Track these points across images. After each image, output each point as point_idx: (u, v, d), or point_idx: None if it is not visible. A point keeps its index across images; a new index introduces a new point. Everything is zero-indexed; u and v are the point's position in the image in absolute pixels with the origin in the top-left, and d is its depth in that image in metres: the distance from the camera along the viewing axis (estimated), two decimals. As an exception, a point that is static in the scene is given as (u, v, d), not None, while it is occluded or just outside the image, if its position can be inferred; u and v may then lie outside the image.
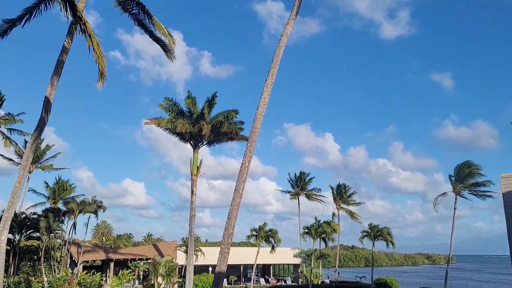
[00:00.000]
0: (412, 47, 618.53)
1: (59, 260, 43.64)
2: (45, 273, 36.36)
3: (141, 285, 41.18)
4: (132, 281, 41.64)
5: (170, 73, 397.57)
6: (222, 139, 36.34)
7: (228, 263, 15.94)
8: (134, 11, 18.74)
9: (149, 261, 41.43)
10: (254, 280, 45.42)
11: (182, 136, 35.72)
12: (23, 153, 38.05)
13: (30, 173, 41.94)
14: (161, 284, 37.34)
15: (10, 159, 41.48)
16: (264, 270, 57.21)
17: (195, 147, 35.44)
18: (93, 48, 15.98)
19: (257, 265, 47.40)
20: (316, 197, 62.45)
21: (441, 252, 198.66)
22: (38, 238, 40.03)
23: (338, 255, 65.86)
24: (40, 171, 44.31)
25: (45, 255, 39.26)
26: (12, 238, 36.63)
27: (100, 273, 40.61)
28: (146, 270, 41.80)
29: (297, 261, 53.34)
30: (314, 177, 63.70)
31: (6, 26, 17.05)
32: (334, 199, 60.85)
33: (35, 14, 16.83)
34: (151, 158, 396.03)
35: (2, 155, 40.91)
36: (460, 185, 41.66)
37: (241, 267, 50.43)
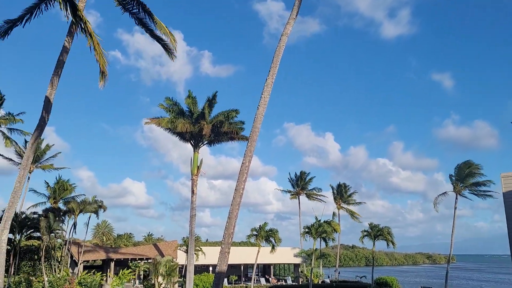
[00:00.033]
0: (412, 47, 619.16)
1: (59, 260, 43.65)
2: (46, 273, 36.37)
3: (142, 285, 41.19)
4: (132, 281, 41.66)
5: (171, 73, 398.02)
6: (223, 138, 36.33)
7: (229, 263, 15.93)
8: (134, 11, 18.74)
9: (149, 260, 41.45)
10: (254, 280, 45.43)
11: (183, 136, 35.71)
12: (24, 153, 38.10)
13: (30, 172, 41.96)
14: (161, 284, 37.35)
15: (11, 159, 41.50)
16: (264, 269, 57.21)
17: (196, 146, 35.43)
18: (94, 48, 15.99)
19: (258, 264, 47.39)
20: (317, 196, 62.47)
21: (441, 251, 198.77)
22: (38, 238, 40.03)
23: (338, 255, 65.88)
24: (41, 170, 44.39)
25: (45, 255, 39.26)
26: (13, 238, 36.63)
27: (100, 273, 40.61)
28: (147, 269, 41.83)
29: (298, 260, 53.35)
30: (314, 176, 63.90)
31: (7, 27, 17.05)
32: (335, 198, 60.85)
33: (36, 14, 16.84)
34: (151, 157, 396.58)
35: (2, 155, 40.93)
36: (461, 185, 41.64)
37: (242, 267, 50.44)
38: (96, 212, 42.29)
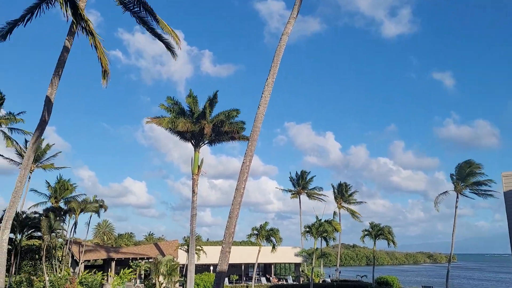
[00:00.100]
0: (413, 46, 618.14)
1: (60, 260, 43.71)
2: (47, 273, 36.42)
3: (143, 284, 41.21)
4: (133, 280, 41.69)
5: (171, 72, 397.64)
6: (223, 138, 36.33)
7: (230, 262, 15.95)
8: (135, 10, 18.73)
9: (150, 260, 41.48)
10: (255, 279, 45.45)
11: (183, 135, 35.71)
12: (24, 152, 38.13)
13: (31, 172, 42.00)
14: (162, 283, 37.38)
15: (11, 159, 41.54)
16: (265, 269, 57.24)
17: (196, 146, 35.43)
18: (96, 47, 16.01)
19: (259, 264, 47.40)
20: (317, 196, 62.47)
21: (442, 251, 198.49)
22: (39, 238, 40.06)
23: (339, 254, 65.91)
24: (41, 170, 44.41)
25: (46, 255, 39.31)
26: (14, 237, 36.65)
27: (101, 272, 40.63)
28: (148, 269, 41.86)
29: (298, 260, 53.36)
30: (315, 175, 63.90)
31: (8, 28, 17.08)
32: (335, 198, 60.85)
33: (37, 14, 16.86)
34: (152, 157, 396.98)
35: (2, 155, 40.96)
36: (462, 184, 41.59)
37: (243, 266, 50.47)
38: (97, 212, 42.33)
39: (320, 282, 49.53)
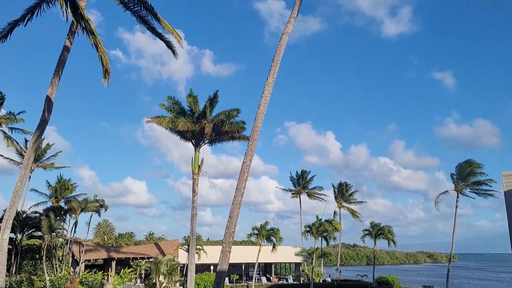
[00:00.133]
0: (413, 45, 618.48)
1: (61, 259, 43.72)
2: (47, 272, 36.43)
3: (143, 284, 41.23)
4: (134, 280, 41.68)
5: (171, 72, 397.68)
6: (224, 138, 36.32)
7: (230, 262, 15.94)
8: (136, 9, 18.71)
9: (150, 260, 41.48)
10: (255, 279, 45.45)
11: (184, 135, 35.70)
12: (24, 152, 38.12)
13: (31, 172, 41.98)
14: (162, 283, 37.40)
15: (11, 159, 41.53)
16: (265, 268, 57.24)
17: (197, 146, 35.42)
18: (97, 46, 16.00)
19: (259, 263, 47.41)
20: (318, 195, 62.45)
21: (442, 250, 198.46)
22: (40, 237, 40.08)
23: (339, 254, 65.88)
24: (41, 170, 44.39)
25: (47, 254, 39.33)
26: (14, 237, 36.66)
27: (102, 272, 40.63)
28: (148, 269, 41.86)
29: (299, 259, 53.36)
30: (315, 175, 63.83)
31: (8, 29, 17.10)
32: (336, 197, 60.82)
33: (37, 13, 16.86)
34: (153, 157, 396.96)
35: (2, 155, 40.97)
36: (462, 184, 41.56)
37: (243, 266, 50.47)
38: (97, 211, 42.34)
39: (321, 281, 49.53)
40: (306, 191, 62.47)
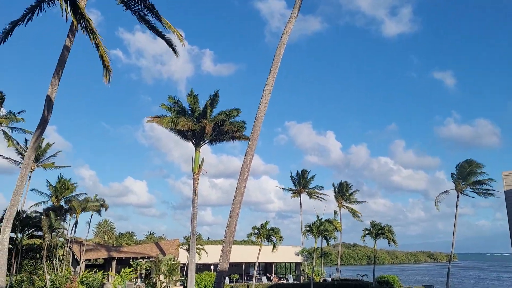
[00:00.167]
0: (413, 45, 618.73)
1: (61, 259, 43.73)
2: (48, 272, 36.43)
3: (143, 284, 41.23)
4: (134, 280, 41.70)
5: (172, 72, 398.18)
6: (224, 137, 36.32)
7: (230, 261, 15.95)
8: (136, 8, 18.69)
9: (151, 259, 41.48)
10: (256, 278, 45.44)
11: (184, 135, 35.71)
12: (25, 151, 38.12)
13: (31, 171, 41.98)
14: (163, 283, 37.40)
15: (12, 159, 41.54)
16: (266, 268, 57.25)
17: (197, 145, 35.42)
18: (97, 45, 15.99)
19: (259, 263, 47.40)
20: (318, 195, 62.43)
21: (443, 250, 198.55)
22: (40, 237, 40.10)
23: (340, 253, 65.87)
24: (42, 169, 44.41)
25: (47, 254, 39.34)
26: (15, 236, 36.66)
27: (102, 271, 40.66)
28: (148, 268, 41.87)
29: (299, 259, 53.36)
30: (316, 175, 63.82)
31: (9, 28, 17.07)
32: (336, 197, 60.80)
33: (38, 13, 16.85)
34: (153, 156, 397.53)
35: (2, 156, 40.99)
36: (462, 183, 41.53)
37: (243, 265, 50.47)
38: (98, 211, 42.36)
39: (321, 281, 49.52)
40: (306, 190, 62.45)
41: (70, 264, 43.60)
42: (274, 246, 43.00)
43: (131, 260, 42.71)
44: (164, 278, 36.55)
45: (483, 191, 40.78)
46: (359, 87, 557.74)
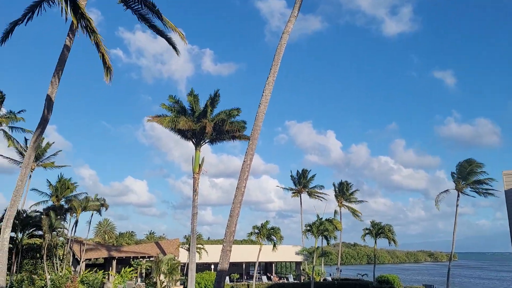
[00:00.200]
0: (414, 44, 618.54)
1: (61, 258, 43.73)
2: (48, 271, 36.44)
3: (144, 283, 41.24)
4: (134, 279, 41.70)
5: (172, 71, 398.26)
6: (225, 137, 36.32)
7: (230, 261, 15.94)
8: (136, 7, 18.67)
9: (151, 259, 41.48)
10: (256, 278, 45.45)
11: (184, 134, 35.71)
12: (25, 151, 38.13)
13: (32, 171, 41.98)
14: (163, 282, 37.41)
15: (11, 159, 41.55)
16: (266, 267, 57.25)
17: (197, 145, 35.42)
18: (98, 44, 15.98)
19: (259, 262, 47.41)
20: (318, 194, 62.42)
21: (443, 249, 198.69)
22: (40, 236, 40.09)
23: (340, 253, 65.90)
24: (42, 169, 44.40)
25: (47, 253, 39.34)
26: (15, 236, 36.67)
27: (102, 271, 40.67)
28: (149, 268, 41.87)
29: (299, 258, 53.37)
30: (316, 174, 63.75)
31: (9, 28, 17.07)
32: (336, 196, 60.78)
33: (38, 12, 16.85)
34: (153, 156, 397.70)
35: (2, 155, 41.00)
36: (463, 183, 41.49)
37: (244, 265, 50.48)
38: (98, 210, 42.35)
39: (321, 280, 49.53)
40: (306, 190, 62.45)
41: (71, 263, 43.60)
42: (274, 245, 43.00)
43: (131, 260, 42.72)
44: (165, 277, 36.55)
45: (483, 191, 40.74)
46: (360, 87, 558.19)
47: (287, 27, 16.97)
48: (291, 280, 50.96)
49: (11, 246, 34.27)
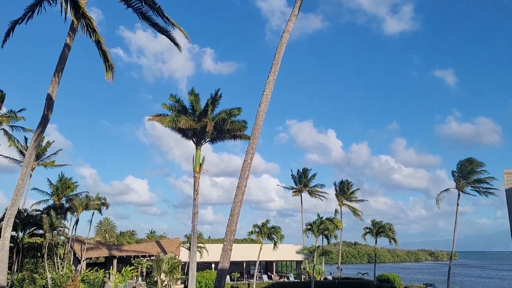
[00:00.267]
0: (414, 43, 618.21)
1: (62, 257, 43.77)
2: (49, 270, 36.47)
3: (144, 282, 41.27)
4: (135, 278, 41.73)
5: (173, 70, 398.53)
6: (225, 136, 36.34)
7: (231, 260, 15.97)
8: (137, 5, 18.65)
9: (152, 258, 41.52)
10: (257, 277, 45.47)
11: (185, 133, 35.72)
12: (25, 150, 38.12)
13: (32, 170, 42.00)
14: (164, 281, 37.44)
15: (12, 158, 41.57)
16: (267, 266, 57.26)
17: (198, 144, 35.43)
18: (99, 43, 15.98)
19: (260, 261, 47.42)
20: (319, 193, 62.41)
21: (443, 248, 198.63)
22: (41, 235, 40.11)
23: (340, 252, 65.89)
24: (42, 168, 44.43)
25: (48, 252, 39.36)
26: (16, 235, 36.69)
27: (103, 270, 40.69)
28: (149, 267, 41.91)
29: (300, 257, 53.38)
30: (316, 173, 63.75)
31: (9, 28, 17.08)
32: (337, 195, 60.78)
33: (38, 11, 16.85)
34: (154, 155, 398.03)
35: (2, 155, 41.01)
36: (463, 182, 41.49)
37: (244, 264, 50.48)
38: (99, 210, 42.34)
39: (322, 279, 49.55)
40: (307, 189, 62.44)
41: (71, 262, 43.65)
42: (275, 244, 43.02)
43: (132, 259, 42.74)
44: (165, 276, 36.57)
45: (484, 190, 40.74)
46: (360, 86, 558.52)
47: (288, 26, 16.96)
48: (291, 279, 50.97)
49: (12, 245, 34.29)
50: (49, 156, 44.03)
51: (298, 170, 63.19)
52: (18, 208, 26.69)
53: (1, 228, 17.12)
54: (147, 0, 18.31)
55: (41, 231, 38.83)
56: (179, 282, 41.55)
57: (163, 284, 37.62)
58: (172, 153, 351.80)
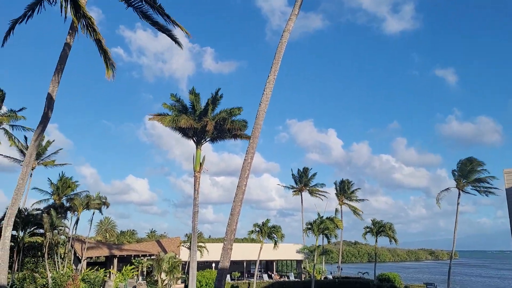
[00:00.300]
0: (415, 43, 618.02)
1: (63, 257, 43.79)
2: (49, 269, 36.50)
3: (145, 281, 41.29)
4: (135, 277, 41.77)
5: (173, 70, 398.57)
6: (226, 136, 36.33)
7: (231, 259, 15.98)
8: (138, 4, 18.65)
9: (152, 257, 41.55)
10: (257, 276, 45.48)
11: (185, 132, 35.72)
12: (26, 149, 38.14)
13: (32, 169, 42.02)
14: (164, 280, 37.46)
15: (12, 157, 41.59)
16: (267, 266, 57.29)
17: (198, 143, 35.43)
18: (100, 41, 15.97)
19: (260, 261, 47.43)
20: (319, 193, 62.41)
21: (444, 247, 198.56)
22: (42, 235, 40.13)
23: (341, 251, 65.92)
24: (42, 167, 44.45)
25: (49, 251, 39.38)
26: (16, 234, 36.71)
27: (103, 269, 40.73)
28: (150, 266, 41.93)
29: (300, 257, 53.40)
30: (317, 172, 63.77)
31: (9, 28, 17.08)
32: (337, 195, 60.81)
33: (38, 11, 16.85)
34: (154, 154, 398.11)
35: (2, 155, 41.02)
36: (463, 181, 41.48)
37: (244, 263, 50.50)
38: (99, 209, 42.36)
39: (322, 279, 49.55)
40: (307, 188, 62.44)
41: (72, 261, 43.66)
42: (275, 244, 43.02)
43: (132, 258, 42.77)
44: (166, 275, 36.59)
45: (484, 189, 40.73)
46: (361, 85, 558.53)
47: (288, 26, 16.95)
48: (292, 278, 51.00)
49: (12, 244, 34.25)
50: (49, 155, 44.06)
51: (299, 170, 63.27)
52: (19, 208, 26.76)
53: (2, 227, 17.14)
54: (147, -1, 18.32)
55: (41, 231, 38.86)
56: (179, 281, 41.58)
57: (164, 283, 37.65)
58: (172, 153, 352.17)
